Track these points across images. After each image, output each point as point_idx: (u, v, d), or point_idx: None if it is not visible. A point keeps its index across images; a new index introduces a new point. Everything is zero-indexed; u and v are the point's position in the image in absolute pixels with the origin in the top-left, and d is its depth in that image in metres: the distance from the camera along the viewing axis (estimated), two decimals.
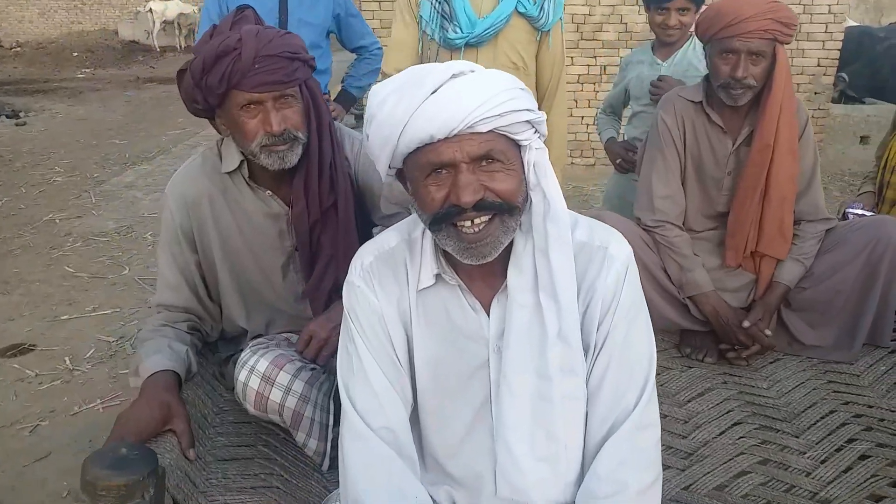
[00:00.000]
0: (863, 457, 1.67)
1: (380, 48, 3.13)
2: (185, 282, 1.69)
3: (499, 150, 1.05)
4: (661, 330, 2.21)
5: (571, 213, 1.17)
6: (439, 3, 2.27)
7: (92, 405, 2.63)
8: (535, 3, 2.32)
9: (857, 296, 2.09)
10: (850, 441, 1.73)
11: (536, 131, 1.10)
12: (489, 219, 1.06)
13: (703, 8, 2.34)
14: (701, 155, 2.20)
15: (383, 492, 1.10)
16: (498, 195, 1.05)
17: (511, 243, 1.13)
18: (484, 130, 1.03)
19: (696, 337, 2.18)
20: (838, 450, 1.70)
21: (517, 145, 1.09)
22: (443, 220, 1.07)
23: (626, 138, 2.84)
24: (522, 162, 1.10)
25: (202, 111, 1.60)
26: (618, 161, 2.81)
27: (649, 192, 2.22)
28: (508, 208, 1.07)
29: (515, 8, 2.28)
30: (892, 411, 1.83)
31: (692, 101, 2.19)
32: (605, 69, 6.44)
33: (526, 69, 2.37)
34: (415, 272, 1.17)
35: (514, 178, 1.07)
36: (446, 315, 1.17)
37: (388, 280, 1.18)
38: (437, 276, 1.16)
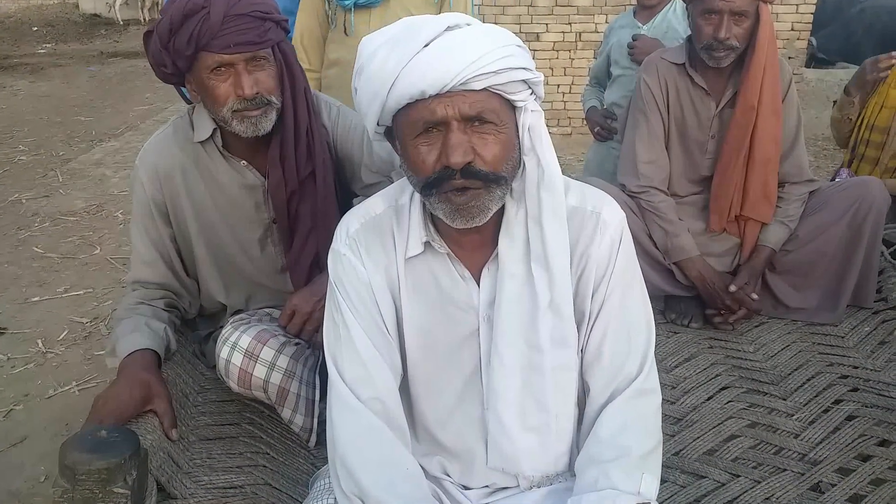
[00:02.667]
0: (850, 417, 1.68)
1: None
2: (161, 257, 1.63)
3: (491, 111, 1.00)
4: None
5: (564, 178, 1.12)
6: None
7: (67, 388, 2.56)
8: None
9: (841, 257, 2.10)
10: (837, 402, 1.74)
11: (533, 92, 1.06)
12: (476, 192, 1.01)
13: None
14: (684, 118, 2.17)
15: (373, 463, 1.07)
16: (485, 162, 1.01)
17: (502, 211, 1.09)
18: (478, 88, 0.98)
19: (682, 302, 2.17)
20: (825, 411, 1.71)
21: (512, 106, 1.04)
22: (434, 186, 1.02)
23: (605, 104, 2.80)
24: (517, 124, 1.05)
25: (171, 76, 1.52)
26: (596, 130, 2.78)
27: (633, 157, 2.19)
28: (495, 178, 1.02)
29: None
30: (878, 371, 1.85)
31: (675, 64, 2.16)
32: (580, 36, 6.37)
33: None
34: (402, 239, 1.13)
35: (504, 142, 1.02)
36: (435, 283, 1.14)
37: (375, 247, 1.14)
38: (426, 244, 1.12)
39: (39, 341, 2.87)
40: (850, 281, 2.10)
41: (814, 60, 7.06)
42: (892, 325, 2.05)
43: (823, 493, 1.47)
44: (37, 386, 2.57)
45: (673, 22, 2.63)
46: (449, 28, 1.00)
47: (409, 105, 1.00)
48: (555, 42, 6.56)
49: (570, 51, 6.45)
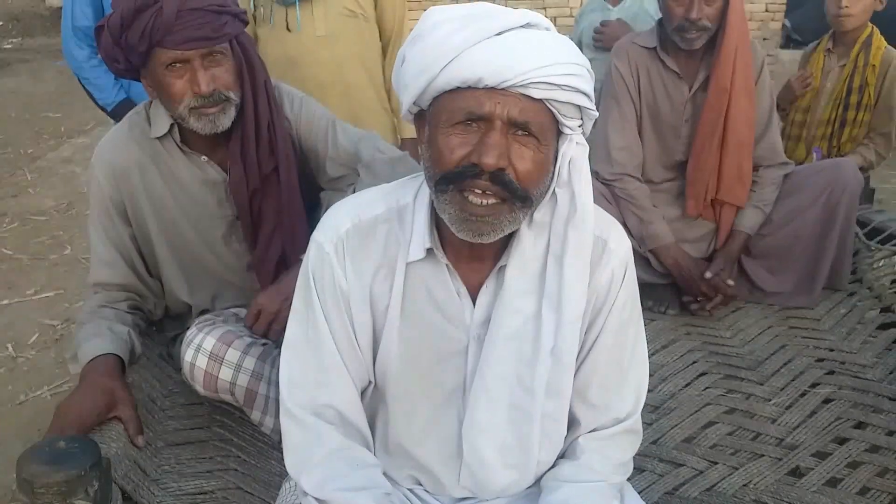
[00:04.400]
0: (826, 400, 1.68)
1: None
2: (121, 257, 1.58)
3: (539, 124, 0.93)
4: None
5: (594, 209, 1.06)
6: None
7: (39, 392, 2.51)
8: None
9: (816, 240, 2.10)
10: (814, 385, 1.74)
11: (582, 126, 0.99)
12: (497, 202, 0.95)
13: None
14: (657, 103, 2.15)
15: (323, 461, 1.04)
16: (517, 175, 0.94)
17: (514, 236, 1.03)
18: (535, 97, 0.92)
19: (658, 289, 2.16)
20: (802, 395, 1.71)
21: (558, 131, 0.97)
22: (452, 181, 0.95)
23: None
24: (557, 152, 0.99)
25: (125, 72, 1.47)
26: None
27: (606, 144, 2.16)
28: (522, 196, 0.95)
29: None
30: (853, 353, 1.85)
31: (646, 48, 2.13)
32: (555, 21, 6.33)
33: (365, 15, 2.27)
34: (405, 242, 1.06)
35: (541, 162, 0.95)
36: (428, 293, 1.07)
37: (364, 255, 1.07)
38: (428, 251, 1.05)
39: (9, 345, 2.80)
40: (825, 264, 2.09)
41: (790, 42, 7.09)
42: (867, 307, 2.06)
43: (801, 476, 1.47)
44: (7, 391, 2.52)
45: (644, 3, 2.61)
46: (528, 25, 0.94)
47: (456, 90, 0.93)
48: None
49: None
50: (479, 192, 0.94)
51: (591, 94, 0.97)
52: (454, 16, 0.95)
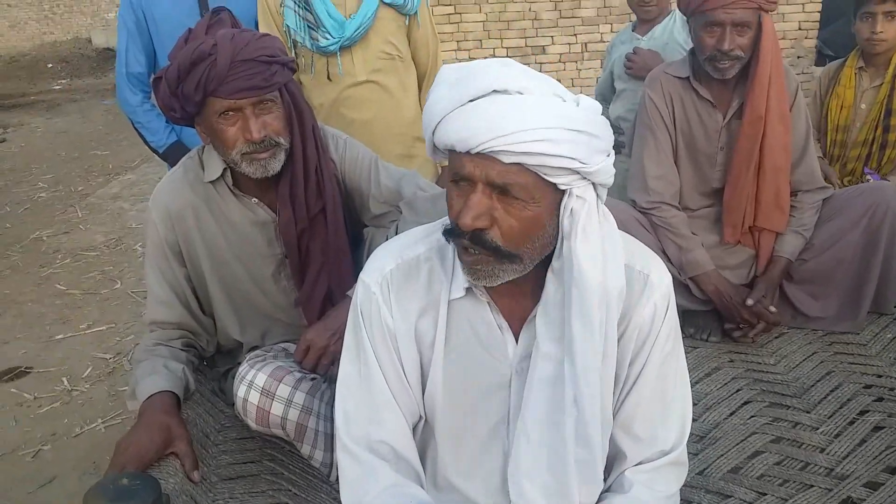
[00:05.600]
0: (876, 428, 1.66)
1: None
2: (176, 297, 1.65)
3: (521, 187, 0.95)
4: None
5: (621, 236, 1.09)
6: (301, 9, 2.18)
7: (93, 425, 2.59)
8: None
9: (859, 264, 2.07)
10: (863, 413, 1.71)
11: (585, 178, 0.98)
12: (482, 257, 0.99)
13: None
14: (692, 131, 2.16)
15: (377, 497, 1.07)
16: (500, 234, 0.97)
17: (545, 273, 1.05)
18: (506, 161, 0.94)
19: (699, 317, 2.15)
20: (851, 423, 1.68)
21: (555, 185, 0.97)
22: (450, 235, 1.02)
23: (611, 118, 2.80)
24: (559, 205, 1.00)
25: (181, 119, 1.55)
26: None
27: (642, 173, 2.18)
28: (504, 254, 0.98)
29: (380, 0, 2.21)
30: None
31: (679, 77, 2.15)
32: (585, 46, 6.38)
33: (402, 57, 2.33)
34: (447, 280, 1.10)
35: (530, 219, 0.97)
36: (472, 329, 1.12)
37: (408, 293, 1.12)
38: (468, 290, 1.09)
39: (65, 379, 2.91)
40: (869, 287, 2.07)
41: (819, 56, 7.02)
42: None
43: None
44: (63, 425, 2.61)
45: (674, 33, 2.63)
46: (496, 91, 0.95)
47: (450, 150, 0.99)
48: (561, 54, 6.58)
49: (576, 62, 6.46)
50: (465, 250, 0.99)
51: (580, 153, 0.94)
52: (450, 77, 0.99)
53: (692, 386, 1.87)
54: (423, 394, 1.14)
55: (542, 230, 0.99)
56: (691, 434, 1.67)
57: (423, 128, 1.04)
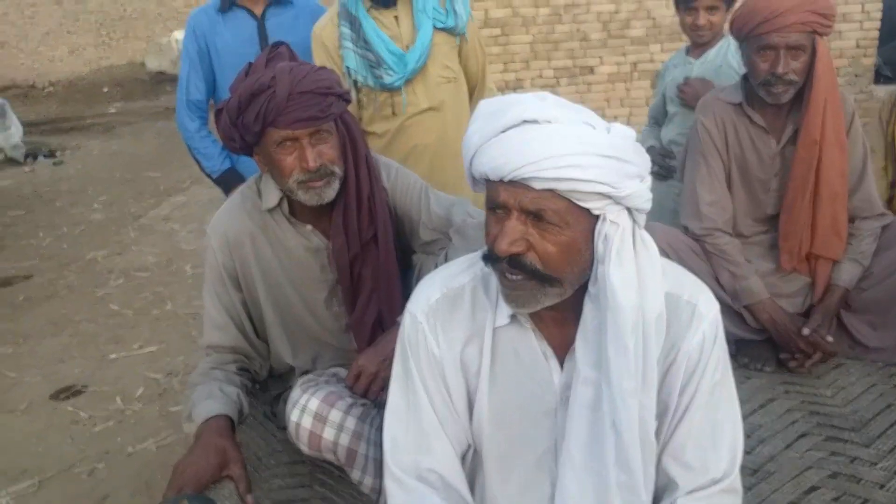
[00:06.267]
0: None
1: None
2: (232, 321, 1.69)
3: (554, 212, 0.98)
4: None
5: (662, 263, 1.09)
6: (362, 49, 2.20)
7: (145, 444, 2.65)
8: (447, 12, 2.27)
9: None
10: None
11: (618, 203, 1.01)
12: (522, 279, 1.01)
13: (736, 5, 2.28)
14: (745, 157, 2.14)
15: None
16: (538, 258, 0.99)
17: (585, 291, 1.06)
18: (537, 188, 0.97)
19: (754, 346, 2.11)
20: None
21: (586, 210, 1.00)
22: (489, 261, 1.05)
23: (664, 142, 2.78)
24: (594, 229, 1.02)
25: (240, 149, 1.60)
26: (654, 169, 2.75)
27: (695, 199, 2.16)
28: (544, 277, 1.00)
29: (434, 26, 2.24)
30: None
31: (732, 103, 2.13)
32: (635, 66, 6.36)
33: (457, 78, 2.35)
34: (491, 308, 1.13)
35: (564, 244, 1.00)
36: (517, 357, 1.13)
37: (454, 323, 1.14)
38: (512, 317, 1.11)
39: (118, 398, 2.99)
40: None
41: (878, 77, 6.86)
42: None
43: None
44: (117, 443, 2.68)
45: (728, 57, 2.61)
46: (526, 122, 0.99)
47: (487, 180, 1.03)
48: (609, 74, 6.56)
49: (625, 82, 6.45)
50: (504, 276, 1.02)
51: (611, 178, 0.97)
52: (486, 111, 1.03)
53: (745, 418, 1.84)
54: (471, 422, 1.15)
55: (578, 255, 1.01)
56: (744, 467, 1.64)
57: (464, 152, 1.07)
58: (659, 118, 2.87)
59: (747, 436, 1.76)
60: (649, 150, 2.83)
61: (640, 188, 1.01)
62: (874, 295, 2.06)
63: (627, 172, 0.99)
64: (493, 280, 1.12)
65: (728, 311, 2.10)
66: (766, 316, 2.05)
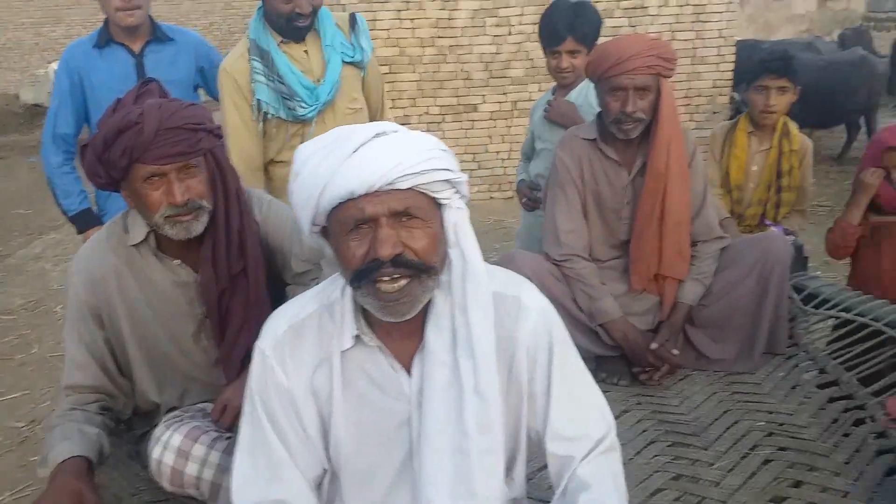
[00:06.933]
0: (766, 461, 1.77)
1: None
2: (94, 359, 1.65)
3: (418, 207, 1.09)
4: None
5: (486, 266, 1.20)
6: (274, 83, 2.30)
7: (1, 497, 2.49)
8: (354, 47, 2.43)
9: (753, 309, 2.23)
10: (754, 447, 1.83)
11: (458, 191, 1.15)
12: (407, 282, 1.09)
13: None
14: (599, 189, 2.31)
15: None
16: (416, 253, 1.09)
17: (429, 302, 1.16)
18: (404, 187, 1.07)
19: (610, 362, 2.26)
20: (744, 457, 1.79)
21: (437, 204, 1.13)
22: (363, 277, 1.09)
23: (531, 175, 2.95)
24: (442, 221, 1.14)
25: (107, 185, 1.58)
26: (524, 201, 2.93)
27: (555, 227, 2.31)
28: (425, 268, 1.10)
29: (342, 60, 2.37)
30: (791, 415, 1.95)
31: (587, 139, 2.31)
32: (515, 104, 6.67)
33: (362, 108, 2.49)
34: (337, 334, 1.19)
35: (431, 235, 1.11)
36: (366, 376, 1.20)
37: (301, 352, 1.19)
38: (357, 338, 1.18)
39: None
40: (762, 330, 2.23)
41: (738, 112, 7.51)
42: (804, 370, 2.18)
43: None
44: None
45: (588, 97, 2.81)
46: (377, 135, 1.10)
47: (340, 204, 1.08)
48: (492, 112, 6.83)
49: (506, 119, 6.73)
50: (388, 278, 1.08)
51: (453, 165, 1.12)
52: (318, 147, 1.11)
53: None
54: (329, 446, 1.20)
55: (441, 244, 1.13)
56: None
57: (300, 205, 1.12)
58: (529, 154, 3.05)
59: None
60: (520, 183, 3.01)
61: (464, 176, 1.16)
62: (714, 311, 2.27)
63: (455, 162, 1.14)
64: (338, 307, 1.18)
65: (586, 329, 2.26)
66: (619, 333, 2.21)
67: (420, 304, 1.12)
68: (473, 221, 1.18)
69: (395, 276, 1.08)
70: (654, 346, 2.18)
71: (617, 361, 2.26)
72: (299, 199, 1.12)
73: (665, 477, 1.75)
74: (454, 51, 6.59)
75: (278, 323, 1.22)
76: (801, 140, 2.72)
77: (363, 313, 1.18)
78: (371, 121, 2.55)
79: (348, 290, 1.18)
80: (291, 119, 2.32)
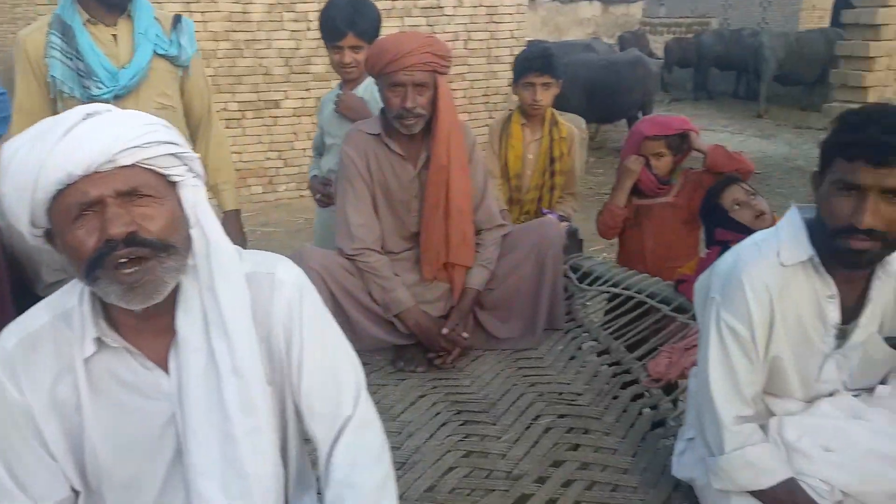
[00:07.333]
0: (547, 429, 1.92)
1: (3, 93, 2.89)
2: None
3: (146, 185, 1.04)
4: (375, 350, 2.34)
5: (237, 248, 1.18)
6: (72, 60, 2.20)
7: None
8: (172, 42, 2.37)
9: (533, 289, 2.40)
10: (537, 418, 1.97)
11: (190, 169, 1.11)
12: (146, 262, 1.03)
13: None
14: (387, 182, 2.36)
15: None
16: (151, 232, 1.03)
17: (179, 289, 1.11)
18: (127, 164, 1.01)
19: (407, 351, 2.33)
20: (527, 428, 1.93)
21: (170, 182, 1.08)
22: (97, 265, 1.01)
23: (323, 171, 2.94)
24: (180, 200, 1.09)
25: None
26: (317, 197, 2.92)
27: (346, 222, 2.33)
28: (164, 247, 1.04)
29: (154, 51, 2.31)
30: (568, 384, 2.13)
31: (372, 134, 2.35)
32: (319, 101, 6.60)
33: (175, 108, 2.43)
34: (78, 342, 1.10)
35: (167, 214, 1.06)
36: (118, 381, 1.12)
37: (38, 365, 1.10)
38: (99, 342, 1.10)
39: None
40: (542, 308, 2.40)
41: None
42: (580, 342, 2.39)
43: (526, 503, 1.66)
44: None
45: (374, 92, 2.86)
46: (88, 115, 1.03)
47: (60, 193, 1.00)
48: (295, 108, 6.72)
49: (311, 116, 6.65)
50: (125, 259, 1.02)
51: (178, 139, 1.09)
52: (24, 140, 1.03)
53: (396, 417, 2.03)
54: (85, 462, 1.12)
55: (180, 222, 1.09)
56: (395, 462, 1.81)
57: (15, 203, 1.03)
58: (320, 149, 3.04)
59: (398, 433, 1.95)
60: (313, 179, 2.99)
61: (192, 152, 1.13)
62: (499, 294, 2.42)
63: (179, 136, 1.11)
64: (76, 313, 1.11)
65: (381, 321, 2.30)
66: (413, 321, 2.28)
67: (165, 286, 1.06)
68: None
69: (132, 256, 1.02)
70: (445, 331, 2.27)
71: (413, 349, 2.33)
72: (12, 196, 1.02)
73: (456, 455, 1.83)
74: (251, 45, 6.40)
75: (6, 338, 1.12)
76: (568, 128, 3.00)
77: (105, 316, 1.11)
78: (193, 129, 2.52)
79: (86, 295, 1.10)
80: (87, 99, 2.16)
